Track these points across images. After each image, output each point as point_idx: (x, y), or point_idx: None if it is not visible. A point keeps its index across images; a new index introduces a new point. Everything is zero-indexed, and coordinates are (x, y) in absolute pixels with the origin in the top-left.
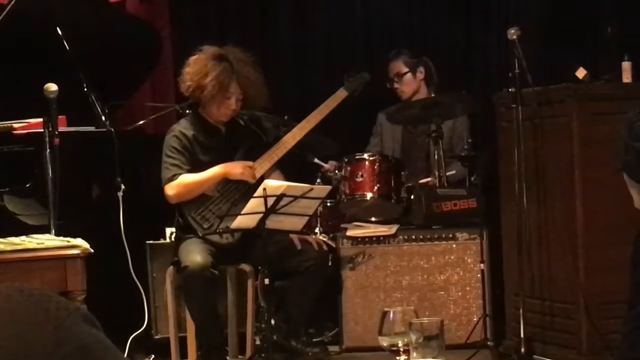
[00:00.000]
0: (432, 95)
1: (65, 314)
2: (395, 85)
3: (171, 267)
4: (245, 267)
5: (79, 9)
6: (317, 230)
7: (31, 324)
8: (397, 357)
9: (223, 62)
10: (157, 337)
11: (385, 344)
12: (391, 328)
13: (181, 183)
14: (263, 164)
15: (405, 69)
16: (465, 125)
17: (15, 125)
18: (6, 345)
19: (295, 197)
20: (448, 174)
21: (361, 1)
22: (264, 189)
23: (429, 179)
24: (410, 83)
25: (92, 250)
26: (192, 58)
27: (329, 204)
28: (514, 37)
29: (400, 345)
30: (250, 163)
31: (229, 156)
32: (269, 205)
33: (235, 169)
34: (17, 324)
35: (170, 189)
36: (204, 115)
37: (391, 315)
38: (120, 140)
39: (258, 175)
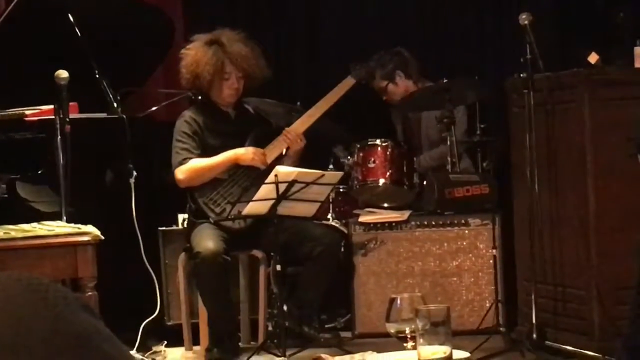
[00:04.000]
0: (426, 84)
1: (63, 302)
2: (384, 97)
3: (183, 253)
4: (258, 253)
5: None
6: (329, 216)
7: (29, 313)
8: (405, 344)
9: (212, 46)
10: (169, 323)
11: (392, 331)
12: (398, 315)
13: (192, 167)
14: (273, 151)
15: (384, 82)
16: (463, 113)
17: (26, 112)
18: (3, 333)
19: (307, 184)
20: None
21: None
22: (276, 175)
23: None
24: (395, 90)
25: (103, 237)
26: (184, 51)
27: (341, 190)
28: (526, 22)
29: (407, 331)
30: (261, 150)
31: (239, 141)
32: (280, 192)
33: (246, 154)
34: (15, 313)
35: (181, 173)
36: (214, 101)
37: (398, 301)
38: (133, 126)
39: (269, 161)
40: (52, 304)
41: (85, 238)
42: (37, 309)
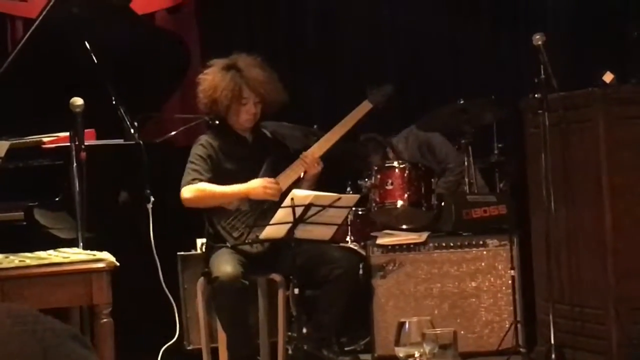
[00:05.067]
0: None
1: (51, 335)
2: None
3: (202, 277)
4: (276, 277)
5: (107, 23)
6: (348, 238)
7: (18, 348)
8: None
9: (230, 71)
10: (189, 348)
11: (401, 355)
12: (407, 338)
13: (200, 189)
14: (290, 175)
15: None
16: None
17: (44, 140)
18: None
19: (324, 207)
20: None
21: (388, 10)
22: (292, 199)
23: None
24: (400, 153)
25: (119, 263)
26: (201, 76)
27: (360, 212)
28: (539, 42)
29: (416, 355)
30: (272, 180)
31: (256, 165)
32: (297, 215)
33: (257, 190)
34: (4, 348)
35: (187, 192)
36: (231, 125)
37: (407, 325)
38: (150, 152)
39: (286, 185)
40: (41, 337)
41: (101, 265)
42: (26, 343)
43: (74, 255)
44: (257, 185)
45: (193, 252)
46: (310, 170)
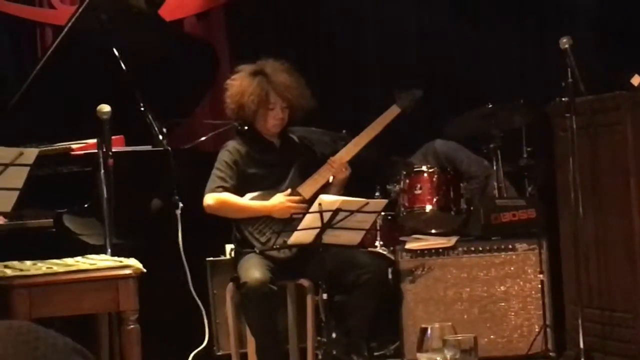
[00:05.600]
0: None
1: (52, 350)
2: None
3: (231, 283)
4: (304, 282)
5: (136, 30)
6: (377, 243)
7: None
8: None
9: (257, 76)
10: (218, 353)
11: None
12: (429, 344)
13: (224, 199)
14: (318, 180)
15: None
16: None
17: (73, 147)
18: None
19: (351, 212)
20: None
21: (415, 14)
22: (320, 204)
23: None
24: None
25: (145, 270)
26: (229, 81)
27: (389, 217)
28: (566, 46)
29: None
30: (295, 198)
31: (283, 171)
32: (325, 220)
33: (280, 210)
34: None
35: (211, 199)
36: (259, 131)
37: (429, 331)
38: (179, 158)
39: (311, 193)
40: (42, 354)
41: (127, 271)
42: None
43: (101, 261)
44: (280, 205)
45: (222, 257)
46: (338, 175)
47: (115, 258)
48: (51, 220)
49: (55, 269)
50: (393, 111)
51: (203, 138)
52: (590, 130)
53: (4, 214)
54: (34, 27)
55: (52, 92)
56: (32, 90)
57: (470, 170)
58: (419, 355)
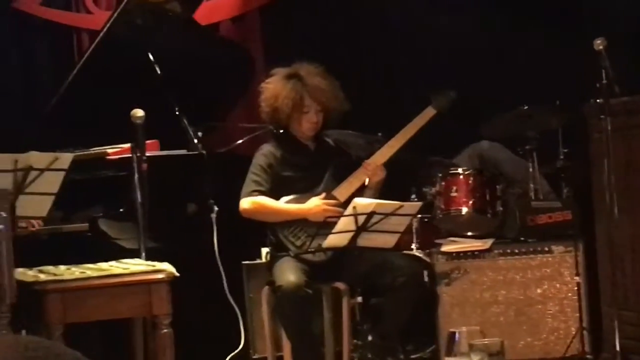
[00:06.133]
0: None
1: None
2: None
3: (267, 286)
4: (340, 285)
5: (171, 34)
6: (413, 246)
7: None
8: None
9: (292, 80)
10: (254, 357)
11: None
12: (458, 348)
13: (260, 203)
14: (353, 183)
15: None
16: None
17: (109, 151)
18: None
19: (386, 215)
20: None
21: (449, 15)
22: (354, 207)
23: None
24: None
25: (178, 274)
26: (263, 85)
27: (425, 220)
28: (601, 47)
29: None
30: (332, 202)
31: (318, 174)
32: (359, 223)
33: (316, 213)
34: None
35: (247, 203)
36: (293, 134)
37: (457, 335)
38: (214, 161)
39: (343, 199)
40: None
41: (160, 276)
42: None
43: (134, 266)
44: (316, 208)
45: (258, 261)
46: (373, 178)
47: (149, 262)
48: (87, 224)
49: (89, 273)
50: (428, 113)
51: (239, 141)
52: (624, 131)
53: (40, 219)
54: (70, 32)
55: (88, 97)
56: (69, 95)
57: (514, 175)
58: (447, 359)
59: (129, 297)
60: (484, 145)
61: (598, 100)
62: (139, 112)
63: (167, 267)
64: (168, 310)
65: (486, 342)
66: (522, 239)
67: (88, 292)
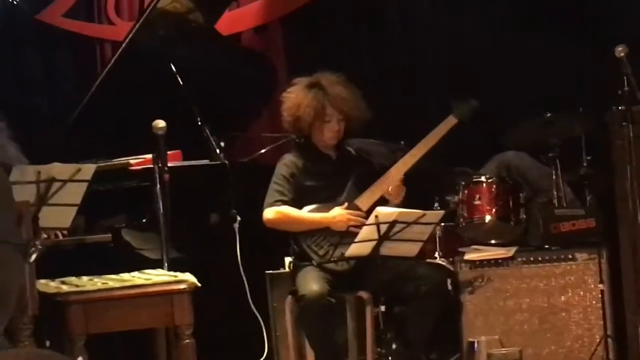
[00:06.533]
0: None
1: None
2: None
3: (290, 296)
4: (363, 294)
5: (193, 45)
6: (436, 254)
7: None
8: None
9: (313, 89)
10: None
11: None
12: (477, 358)
13: (284, 212)
14: (375, 192)
15: None
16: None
17: (131, 161)
18: None
19: (408, 224)
20: None
21: (471, 25)
22: (376, 216)
23: None
24: None
25: (199, 285)
26: (285, 94)
27: (448, 228)
28: (622, 54)
29: None
30: (356, 212)
31: (340, 183)
32: (382, 232)
33: (340, 222)
34: None
35: (271, 213)
36: (315, 143)
37: (475, 345)
38: (236, 171)
39: (365, 208)
40: None
41: (182, 286)
42: None
43: (156, 276)
44: (340, 216)
45: (282, 270)
46: (395, 200)
47: (171, 273)
48: (110, 235)
49: (111, 284)
50: (450, 121)
51: (262, 151)
52: None
53: (64, 230)
54: (93, 43)
55: (110, 108)
56: (91, 106)
57: (541, 183)
58: None
59: (151, 307)
60: (510, 155)
61: (620, 108)
62: (160, 123)
63: (189, 277)
64: (190, 320)
65: (504, 351)
66: (545, 246)
67: (110, 303)
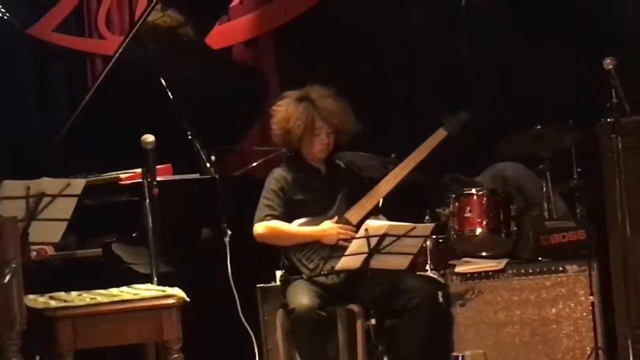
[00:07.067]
0: None
1: None
2: None
3: (281, 309)
4: (354, 307)
5: (183, 59)
6: (427, 267)
7: None
8: None
9: (303, 102)
10: None
11: None
12: None
13: (274, 227)
14: (365, 205)
15: None
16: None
17: (121, 176)
18: None
19: (398, 237)
20: None
21: (464, 38)
22: (366, 230)
23: None
24: None
25: (188, 299)
26: (275, 107)
27: (439, 241)
28: (610, 66)
29: None
30: (348, 227)
31: (330, 197)
32: (372, 246)
33: (330, 236)
34: None
35: (261, 228)
36: (304, 157)
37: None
38: (227, 185)
39: (355, 222)
40: None
41: (170, 301)
42: None
43: (145, 291)
44: (330, 230)
45: (273, 284)
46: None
47: (159, 287)
48: (100, 249)
49: (99, 299)
50: (440, 134)
51: (253, 164)
52: (636, 150)
53: (53, 245)
54: (84, 57)
55: (101, 122)
56: (81, 120)
57: (536, 196)
58: None
59: (139, 322)
60: (506, 166)
61: (609, 119)
62: (149, 138)
63: (178, 292)
64: (178, 335)
65: None
66: (536, 258)
67: (98, 318)
